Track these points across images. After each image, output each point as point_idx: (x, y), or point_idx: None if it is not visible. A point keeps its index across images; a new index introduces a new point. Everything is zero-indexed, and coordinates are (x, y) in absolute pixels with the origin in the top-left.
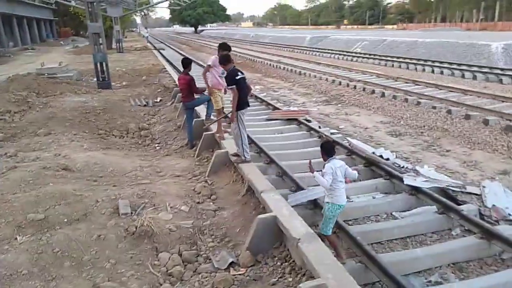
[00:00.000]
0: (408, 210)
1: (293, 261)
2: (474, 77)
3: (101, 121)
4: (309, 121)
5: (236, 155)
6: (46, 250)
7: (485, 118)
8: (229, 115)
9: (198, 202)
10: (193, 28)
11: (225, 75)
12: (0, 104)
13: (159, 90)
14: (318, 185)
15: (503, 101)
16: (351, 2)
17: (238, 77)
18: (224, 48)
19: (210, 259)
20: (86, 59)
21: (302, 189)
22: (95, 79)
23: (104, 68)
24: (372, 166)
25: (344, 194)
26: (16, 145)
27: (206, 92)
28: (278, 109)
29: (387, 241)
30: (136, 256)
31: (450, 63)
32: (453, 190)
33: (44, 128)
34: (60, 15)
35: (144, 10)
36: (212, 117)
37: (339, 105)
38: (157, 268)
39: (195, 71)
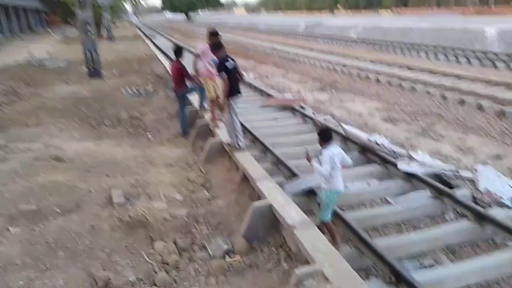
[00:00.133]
0: (403, 195)
1: (289, 248)
2: (469, 62)
3: (93, 111)
4: (303, 108)
5: (229, 144)
6: (39, 241)
7: (479, 103)
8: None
9: (193, 191)
10: (185, 16)
11: (216, 62)
12: None
13: (150, 78)
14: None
15: (496, 86)
16: None
17: (229, 64)
18: (213, 34)
19: (205, 247)
20: (76, 48)
21: (297, 176)
22: (85, 68)
23: (94, 57)
24: (367, 152)
25: (341, 180)
26: (5, 136)
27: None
28: (273, 96)
29: (382, 226)
30: (130, 245)
31: (444, 48)
32: (447, 175)
33: (34, 118)
34: (49, 4)
35: None
36: (205, 106)
37: (333, 91)
38: (152, 257)
39: (188, 59)
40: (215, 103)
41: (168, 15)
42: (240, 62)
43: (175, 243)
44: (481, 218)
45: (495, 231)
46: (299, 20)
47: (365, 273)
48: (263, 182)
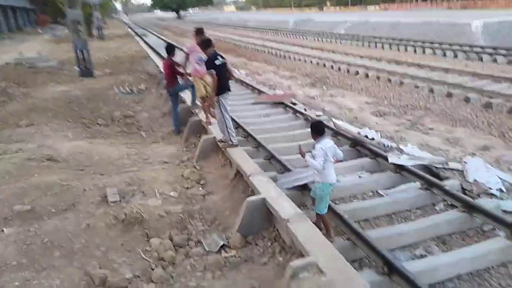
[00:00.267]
0: (393, 188)
1: (283, 241)
2: (455, 56)
3: (85, 110)
4: (294, 104)
5: (222, 140)
6: (34, 241)
7: (466, 96)
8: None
9: (187, 188)
10: (175, 14)
11: (202, 60)
12: None
13: (143, 77)
14: (307, 166)
15: (483, 79)
16: None
17: (218, 61)
18: (199, 32)
19: (201, 243)
20: (66, 47)
21: (291, 171)
22: (76, 67)
23: (86, 56)
24: (358, 146)
25: (334, 173)
26: None
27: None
28: (264, 93)
29: (374, 218)
30: (127, 243)
31: (432, 42)
32: (436, 167)
33: (26, 119)
34: (38, 3)
35: None
36: (198, 103)
37: (324, 87)
38: (148, 253)
39: (180, 57)
40: (206, 100)
41: (159, 13)
42: (231, 59)
43: (171, 239)
44: (470, 208)
45: (484, 221)
46: (289, 17)
47: (358, 264)
48: (257, 177)
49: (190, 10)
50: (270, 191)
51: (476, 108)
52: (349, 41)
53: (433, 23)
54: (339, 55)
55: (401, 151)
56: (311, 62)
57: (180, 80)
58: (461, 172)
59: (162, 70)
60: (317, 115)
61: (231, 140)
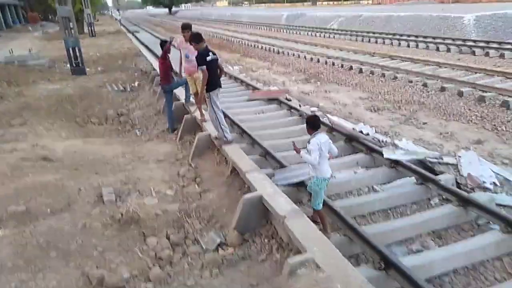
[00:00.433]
0: (389, 183)
1: (280, 237)
2: (448, 50)
3: (78, 109)
4: (289, 100)
5: (218, 137)
6: (30, 242)
7: (460, 90)
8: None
9: (183, 186)
10: (167, 9)
11: (189, 57)
12: None
13: (136, 74)
14: (303, 162)
15: (476, 73)
16: None
17: (209, 57)
18: (187, 27)
19: (198, 241)
20: (58, 45)
21: (286, 167)
22: (68, 65)
23: (77, 53)
24: (353, 142)
25: (329, 167)
26: None
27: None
28: (258, 89)
29: (370, 214)
30: (123, 243)
31: (425, 37)
32: (431, 161)
33: (18, 118)
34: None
35: None
36: (192, 100)
37: (318, 82)
38: (145, 253)
39: (174, 54)
40: (196, 97)
41: (151, 9)
42: (225, 55)
43: (168, 238)
44: (465, 202)
45: (479, 214)
46: (282, 12)
47: (355, 259)
48: (252, 174)
49: (182, 6)
50: (266, 188)
51: (469, 102)
52: (343, 36)
53: (426, 17)
54: (332, 50)
55: (396, 146)
56: (305, 57)
57: (174, 77)
58: (456, 166)
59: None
60: (311, 111)
61: (225, 137)
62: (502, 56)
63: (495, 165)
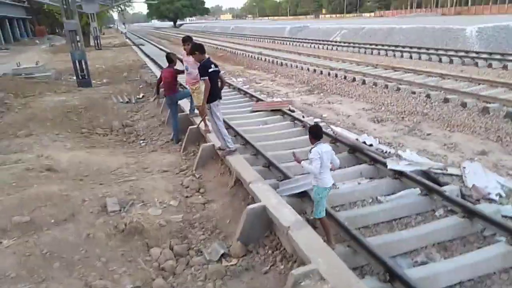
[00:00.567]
0: (393, 194)
1: (284, 249)
2: (451, 61)
3: (84, 120)
4: (292, 111)
5: (221, 148)
6: (34, 252)
7: (463, 101)
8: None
9: (187, 196)
10: (172, 23)
11: (189, 69)
12: None
13: (141, 86)
14: (306, 173)
15: (479, 84)
16: None
17: (211, 69)
18: (187, 40)
19: (201, 252)
20: (64, 57)
21: (289, 178)
22: (74, 77)
23: (83, 66)
24: (356, 153)
25: (330, 177)
26: None
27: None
28: (262, 100)
29: (374, 225)
30: (127, 253)
31: (427, 49)
32: (435, 172)
33: (24, 129)
34: (34, 13)
35: (121, 6)
36: (196, 111)
37: (321, 94)
38: (149, 263)
39: (178, 66)
40: (197, 108)
41: (156, 22)
42: (229, 67)
43: (171, 249)
44: (470, 214)
45: (485, 226)
46: (285, 25)
47: (359, 271)
48: (256, 185)
49: (187, 19)
50: (270, 198)
51: (473, 113)
52: (345, 48)
53: (428, 29)
54: (335, 62)
55: (399, 157)
56: (308, 69)
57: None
58: (460, 177)
59: (162, 78)
60: (315, 122)
61: (228, 147)
62: (505, 67)
63: (500, 176)
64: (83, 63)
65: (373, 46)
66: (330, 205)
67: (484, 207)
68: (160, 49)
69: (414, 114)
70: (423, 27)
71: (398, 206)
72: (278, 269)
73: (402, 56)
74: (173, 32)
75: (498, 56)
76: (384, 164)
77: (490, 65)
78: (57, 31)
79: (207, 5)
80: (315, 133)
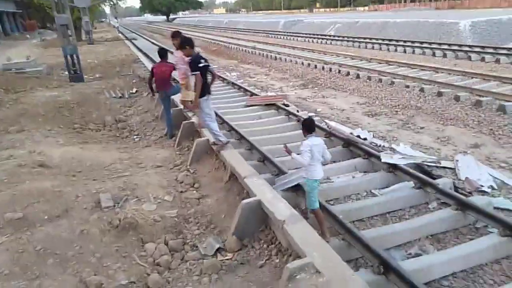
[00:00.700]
0: (387, 187)
1: (279, 242)
2: (444, 55)
3: (76, 115)
4: (287, 105)
5: (216, 143)
6: (27, 249)
7: (456, 95)
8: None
9: (182, 191)
10: (165, 17)
11: (178, 66)
12: None
13: (134, 81)
14: (299, 167)
15: (472, 77)
16: None
17: (201, 64)
18: (176, 35)
19: (196, 247)
20: (55, 52)
21: (284, 172)
22: (66, 72)
23: (75, 60)
24: (351, 147)
25: (321, 169)
26: None
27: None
28: (256, 95)
29: (368, 218)
30: (121, 249)
31: (421, 42)
32: (429, 165)
33: (15, 125)
34: (25, 7)
35: None
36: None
37: (315, 88)
38: (144, 259)
39: (170, 60)
40: (184, 103)
41: (148, 16)
42: (223, 62)
43: (166, 244)
44: (463, 206)
45: (477, 218)
46: (279, 19)
47: (354, 264)
48: (251, 179)
49: (180, 13)
50: (265, 193)
51: (466, 107)
52: (340, 42)
53: (422, 23)
54: (329, 56)
55: (393, 151)
56: (302, 63)
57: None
58: (453, 170)
59: (154, 73)
60: (309, 116)
61: (220, 140)
62: (497, 61)
63: (493, 169)
64: (75, 57)
65: (367, 40)
66: (325, 199)
67: (476, 200)
68: (153, 43)
69: (408, 108)
70: (417, 21)
71: (392, 199)
72: (274, 263)
73: (396, 50)
74: (166, 26)
75: (491, 50)
76: (378, 158)
77: (483, 59)
78: (48, 25)
79: None
80: (308, 126)
